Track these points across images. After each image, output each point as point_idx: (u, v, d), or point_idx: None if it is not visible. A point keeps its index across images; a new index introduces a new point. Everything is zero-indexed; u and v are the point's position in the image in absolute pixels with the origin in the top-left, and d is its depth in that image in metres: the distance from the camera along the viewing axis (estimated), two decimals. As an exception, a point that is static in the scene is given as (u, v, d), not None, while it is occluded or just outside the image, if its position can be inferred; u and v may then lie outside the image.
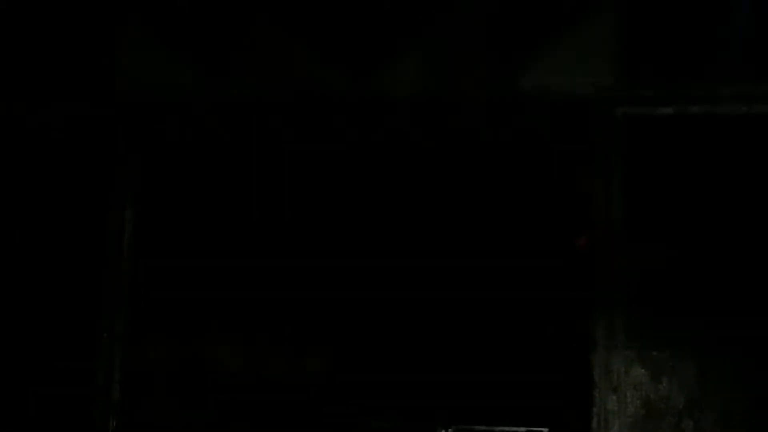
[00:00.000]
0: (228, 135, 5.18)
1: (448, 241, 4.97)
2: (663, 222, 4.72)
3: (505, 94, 4.93)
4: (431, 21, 5.01)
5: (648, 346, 4.65)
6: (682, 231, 4.69)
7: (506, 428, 4.81)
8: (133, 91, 5.18)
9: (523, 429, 4.80)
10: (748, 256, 4.61)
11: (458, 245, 4.96)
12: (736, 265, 4.61)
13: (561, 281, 4.83)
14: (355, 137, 5.07)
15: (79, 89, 5.21)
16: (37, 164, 5.22)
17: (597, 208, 4.79)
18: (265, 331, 5.05)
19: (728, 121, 4.70)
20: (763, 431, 4.53)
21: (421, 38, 5.01)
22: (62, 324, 5.06)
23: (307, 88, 5.05)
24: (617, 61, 4.83)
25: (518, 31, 4.94)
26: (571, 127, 4.87)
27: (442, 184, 5.00)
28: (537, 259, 4.87)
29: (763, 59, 4.74)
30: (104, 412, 5.00)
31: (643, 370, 4.64)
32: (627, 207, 4.75)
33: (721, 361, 4.58)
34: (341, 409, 4.95)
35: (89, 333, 5.04)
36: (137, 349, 5.07)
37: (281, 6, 5.12)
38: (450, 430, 4.86)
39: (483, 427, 4.84)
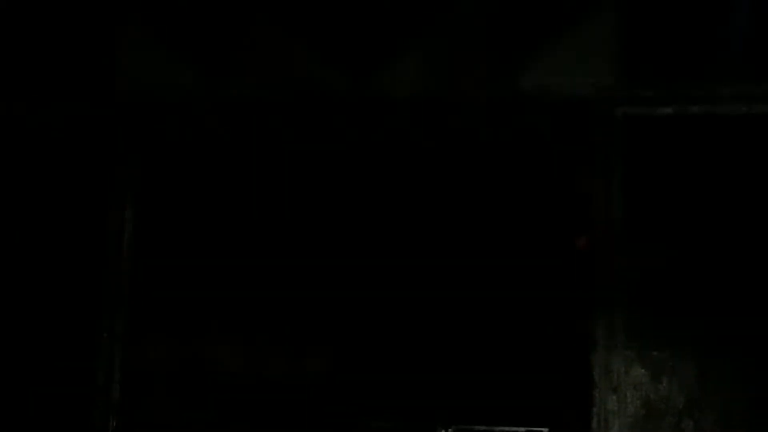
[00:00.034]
0: (228, 135, 5.18)
1: (448, 242, 4.97)
2: (663, 222, 4.72)
3: (505, 94, 4.93)
4: (431, 21, 5.01)
5: (648, 346, 4.65)
6: (682, 231, 4.69)
7: (506, 428, 4.81)
8: (133, 91, 5.18)
9: (523, 429, 4.80)
10: (748, 257, 4.61)
11: (458, 245, 4.96)
12: (735, 265, 4.61)
13: (561, 281, 4.83)
14: (355, 137, 5.07)
15: (79, 89, 5.21)
16: (38, 164, 5.22)
17: (597, 208, 4.79)
18: (265, 331, 5.05)
19: (728, 121, 4.70)
20: (763, 431, 4.53)
21: (421, 38, 5.01)
22: (62, 324, 5.06)
23: (307, 88, 5.05)
24: (617, 61, 4.83)
25: (518, 31, 4.94)
26: (571, 127, 4.87)
27: (442, 184, 5.00)
28: (537, 259, 4.87)
29: (763, 59, 4.74)
30: (104, 412, 5.00)
31: (643, 370, 4.64)
32: (627, 207, 4.75)
33: (721, 361, 4.58)
34: (341, 409, 4.95)
35: (89, 333, 5.04)
36: (137, 349, 5.07)
37: (281, 6, 5.12)
38: (450, 430, 4.86)
39: (483, 427, 4.84)
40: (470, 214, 4.98)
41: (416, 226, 5.00)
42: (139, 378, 5.05)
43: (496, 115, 4.98)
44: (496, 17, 4.96)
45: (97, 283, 5.08)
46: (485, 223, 4.96)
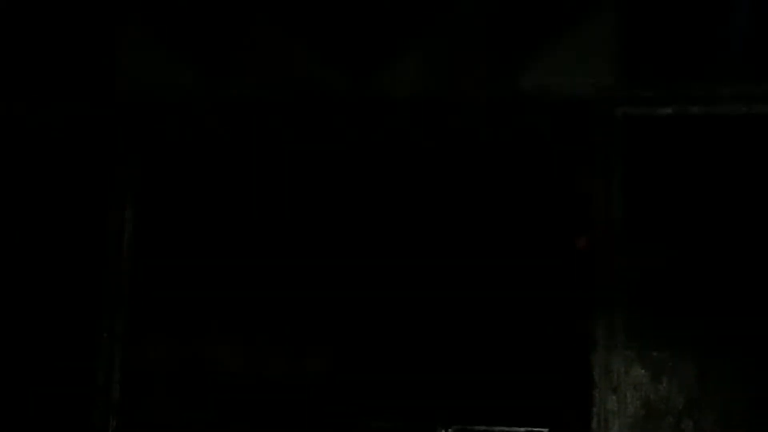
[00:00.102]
0: (228, 135, 5.18)
1: (448, 242, 4.97)
2: (663, 222, 4.72)
3: (505, 94, 4.93)
4: (431, 21, 5.01)
5: (648, 346, 4.65)
6: (682, 231, 4.69)
7: (506, 428, 4.81)
8: (133, 91, 5.18)
9: (523, 429, 4.79)
10: (747, 257, 4.61)
11: (458, 245, 4.95)
12: (735, 265, 4.61)
13: (561, 281, 4.83)
14: (355, 137, 5.07)
15: (79, 89, 5.22)
16: (38, 164, 5.22)
17: (597, 208, 4.79)
18: (265, 331, 5.05)
19: (728, 121, 4.70)
20: (763, 431, 4.53)
21: (421, 38, 5.01)
22: (62, 324, 5.06)
23: (307, 88, 5.06)
24: (617, 61, 4.83)
25: (518, 31, 4.94)
26: (571, 127, 4.87)
27: (442, 184, 5.00)
28: (537, 259, 4.87)
29: (763, 59, 4.74)
30: (104, 412, 5.01)
31: (643, 371, 4.64)
32: (627, 207, 4.75)
33: (721, 361, 4.58)
34: (341, 409, 4.95)
35: (89, 333, 5.04)
36: (137, 349, 5.07)
37: (281, 6, 5.12)
38: (450, 430, 4.86)
39: (483, 427, 4.84)
40: (470, 214, 4.98)
41: (416, 227, 5.00)
42: (139, 378, 5.05)
43: (496, 115, 4.98)
44: (496, 17, 4.96)
45: (97, 283, 5.08)
46: (485, 224, 4.96)
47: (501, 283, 4.87)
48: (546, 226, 4.92)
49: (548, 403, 4.76)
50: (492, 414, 4.83)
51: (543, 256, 4.87)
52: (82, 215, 5.14)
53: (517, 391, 4.77)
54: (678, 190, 4.71)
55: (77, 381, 5.00)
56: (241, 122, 5.16)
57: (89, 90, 5.21)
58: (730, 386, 4.58)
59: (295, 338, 5.03)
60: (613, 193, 4.77)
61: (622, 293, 4.70)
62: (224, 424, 4.98)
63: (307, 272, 5.01)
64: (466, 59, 4.96)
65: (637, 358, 4.65)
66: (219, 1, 5.16)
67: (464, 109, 5.01)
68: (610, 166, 4.78)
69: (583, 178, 4.85)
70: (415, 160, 5.03)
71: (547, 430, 4.78)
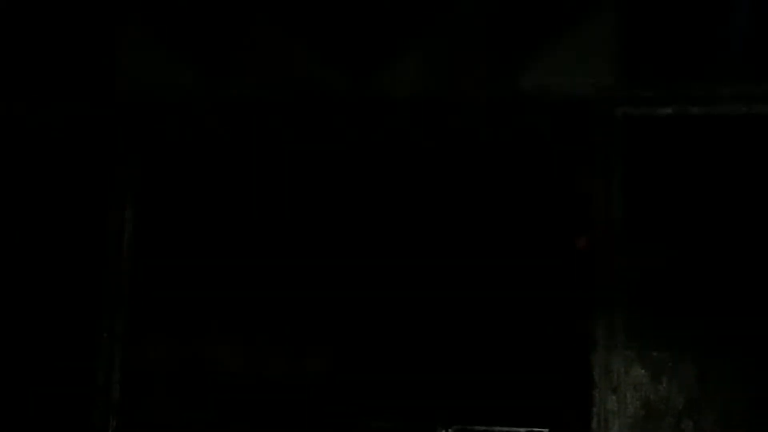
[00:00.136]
0: (228, 135, 5.18)
1: (448, 242, 4.97)
2: (663, 222, 4.72)
3: (505, 94, 4.93)
4: (431, 21, 5.01)
5: (648, 346, 4.65)
6: (682, 231, 4.69)
7: (506, 428, 4.81)
8: (133, 91, 5.18)
9: (523, 429, 4.79)
10: (747, 257, 4.61)
11: (458, 245, 4.95)
12: (735, 265, 4.61)
13: (561, 281, 4.83)
14: (355, 137, 5.07)
15: (79, 89, 5.22)
16: (38, 164, 5.22)
17: (597, 208, 4.79)
18: (265, 331, 5.05)
19: (728, 121, 4.70)
20: (763, 431, 4.53)
21: (421, 38, 5.01)
22: (62, 324, 5.06)
23: (307, 88, 5.05)
24: (617, 61, 4.83)
25: (518, 31, 4.94)
26: (571, 127, 4.87)
27: (442, 184, 5.00)
28: (537, 259, 4.87)
29: (763, 59, 4.74)
30: (104, 412, 5.01)
31: (643, 371, 4.64)
32: (627, 207, 4.75)
33: (721, 361, 4.58)
34: (341, 409, 4.95)
35: (89, 333, 5.05)
36: (137, 349, 5.07)
37: (281, 6, 5.12)
38: (450, 430, 4.86)
39: (483, 427, 4.84)
40: (470, 214, 4.98)
41: (416, 227, 5.00)
42: (139, 378, 5.05)
43: (496, 115, 4.98)
44: (496, 17, 4.96)
45: (97, 283, 5.08)
46: (485, 224, 4.96)
47: (501, 283, 4.87)
48: (546, 226, 4.92)
49: (548, 403, 4.76)
50: (492, 414, 4.83)
51: (543, 256, 4.87)
52: (82, 215, 5.14)
53: (517, 391, 4.77)
54: (678, 191, 4.71)
55: (77, 381, 5.00)
56: (241, 122, 5.16)
57: (89, 90, 5.21)
58: (730, 386, 4.58)
59: (295, 338, 5.03)
60: (613, 193, 4.77)
61: (622, 293, 4.70)
62: (224, 424, 4.98)
63: (307, 272, 5.01)
64: (466, 59, 4.96)
65: (637, 358, 4.65)
66: (219, 1, 5.16)
67: (464, 109, 5.01)
68: (610, 166, 4.78)
69: (583, 178, 4.85)
70: (415, 160, 5.03)
71: (547, 430, 4.78)
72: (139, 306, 5.08)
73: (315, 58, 5.07)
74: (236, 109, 5.15)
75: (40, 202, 5.19)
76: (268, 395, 4.98)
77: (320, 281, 5.00)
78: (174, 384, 5.06)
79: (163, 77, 5.15)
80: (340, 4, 5.06)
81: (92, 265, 5.10)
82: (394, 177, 5.04)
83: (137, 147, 5.19)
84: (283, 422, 4.95)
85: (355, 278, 4.98)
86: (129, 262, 5.10)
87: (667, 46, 4.80)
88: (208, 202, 5.15)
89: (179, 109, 5.20)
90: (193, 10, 5.17)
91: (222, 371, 5.04)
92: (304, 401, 4.97)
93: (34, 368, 5.05)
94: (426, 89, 4.98)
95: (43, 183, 5.20)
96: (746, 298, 4.59)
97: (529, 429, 4.79)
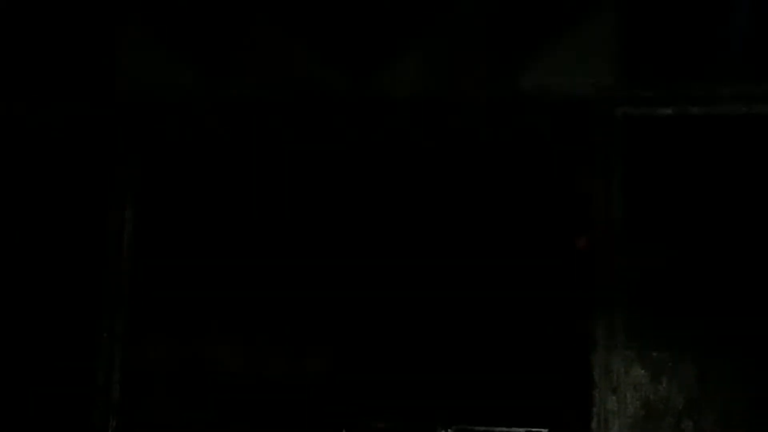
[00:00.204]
0: (228, 135, 5.18)
1: (448, 241, 4.97)
2: (663, 222, 4.72)
3: (505, 94, 4.93)
4: (431, 21, 5.01)
5: (648, 346, 4.65)
6: (682, 231, 4.68)
7: (506, 428, 4.81)
8: (133, 91, 5.18)
9: (523, 429, 4.80)
10: (748, 257, 4.61)
11: (458, 245, 4.96)
12: (735, 265, 4.61)
13: (561, 281, 4.83)
14: (355, 137, 5.07)
15: (79, 89, 5.21)
16: (38, 164, 5.22)
17: (597, 208, 4.79)
18: (265, 331, 5.05)
19: (728, 121, 4.70)
20: (763, 431, 4.53)
21: (421, 38, 5.01)
22: (62, 324, 5.06)
23: (307, 88, 5.05)
24: (617, 61, 4.83)
25: (518, 31, 4.93)
26: (571, 127, 4.87)
27: (442, 184, 5.00)
28: (537, 259, 4.87)
29: (763, 59, 4.74)
30: (104, 412, 5.01)
31: (642, 371, 4.64)
32: (627, 207, 4.75)
33: (721, 361, 4.58)
34: (341, 409, 4.95)
35: (89, 333, 5.04)
36: (137, 349, 5.07)
37: (281, 6, 5.12)
38: (450, 430, 4.86)
39: (483, 428, 4.84)
40: (470, 214, 4.98)
41: (416, 227, 5.00)
42: (139, 378, 5.05)
43: (496, 115, 4.98)
44: (496, 17, 4.96)
45: (97, 283, 5.08)
46: (485, 224, 4.96)
47: (501, 283, 4.87)
48: (546, 226, 4.92)
49: (548, 403, 4.76)
50: (492, 414, 4.83)
51: (543, 256, 4.87)
52: (82, 215, 5.14)
53: (517, 391, 4.77)
54: (678, 191, 4.71)
55: (77, 381, 5.00)
56: (241, 122, 5.16)
57: (89, 90, 5.21)
58: (730, 386, 4.58)
59: (295, 338, 5.03)
60: (613, 193, 4.77)
61: (622, 293, 4.70)
62: (224, 424, 4.98)
63: (307, 272, 5.01)
64: (466, 59, 4.96)
65: (637, 359, 4.65)
66: (219, 1, 5.15)
67: (464, 109, 5.01)
68: (610, 166, 4.78)
69: (583, 178, 4.85)
70: (415, 160, 5.03)
71: (547, 430, 4.79)
72: (139, 306, 5.08)
73: (315, 58, 5.07)
74: (236, 109, 5.15)
75: (40, 202, 5.18)
76: (268, 395, 4.98)
77: (320, 281, 5.00)
78: (174, 384, 5.06)
79: (163, 77, 5.15)
80: (340, 4, 5.06)
81: (92, 265, 5.10)
82: (394, 177, 5.04)
83: (137, 147, 5.19)
84: (283, 422, 4.95)
85: (355, 278, 4.98)
86: (129, 262, 5.10)
87: (667, 46, 4.80)
88: (208, 202, 5.15)
89: (179, 109, 5.20)
90: (193, 10, 5.17)
91: (222, 371, 5.04)
92: (304, 401, 4.97)
93: (34, 368, 5.04)
94: (426, 89, 4.97)
95: (44, 183, 5.20)
96: (746, 298, 4.59)
97: (529, 429, 4.80)
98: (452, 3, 5.00)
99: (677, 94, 4.76)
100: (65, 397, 4.99)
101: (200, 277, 5.06)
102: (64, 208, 5.16)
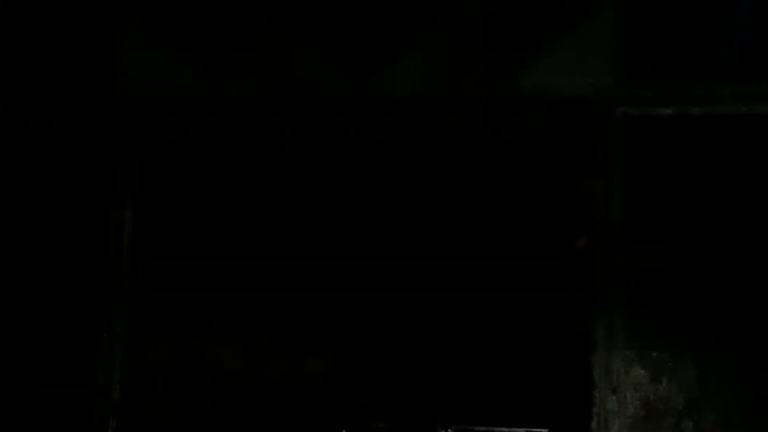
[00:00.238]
0: (228, 135, 5.18)
1: (448, 242, 4.97)
2: (663, 222, 4.72)
3: (505, 94, 4.93)
4: (431, 21, 5.01)
5: (648, 347, 4.65)
6: (682, 231, 4.68)
7: (506, 428, 4.81)
8: (133, 91, 5.18)
9: (522, 429, 4.80)
10: (748, 257, 4.61)
11: (458, 245, 4.96)
12: (735, 265, 4.61)
13: (561, 281, 4.83)
14: (355, 137, 5.07)
15: (79, 89, 5.21)
16: (37, 164, 5.22)
17: (597, 208, 4.79)
18: (265, 331, 5.06)
19: (728, 121, 4.70)
20: (763, 431, 4.53)
21: (421, 38, 5.01)
22: (62, 324, 5.06)
23: (307, 88, 5.05)
24: (617, 61, 4.83)
25: (518, 31, 4.93)
26: (571, 127, 4.87)
27: (442, 184, 5.00)
28: (537, 259, 4.87)
29: (763, 59, 4.74)
30: (104, 412, 5.00)
31: (642, 371, 4.64)
32: (627, 207, 4.75)
33: (721, 361, 4.58)
34: (341, 409, 4.95)
35: (89, 333, 5.04)
36: (137, 349, 5.07)
37: (281, 6, 5.11)
38: (450, 430, 4.86)
39: (483, 428, 4.84)
40: (470, 214, 4.98)
41: (416, 226, 5.00)
42: (139, 378, 5.05)
43: (496, 115, 4.98)
44: (496, 17, 4.96)
45: (97, 283, 5.08)
46: (485, 223, 4.96)
47: (501, 283, 4.87)
48: (546, 226, 4.92)
49: (548, 403, 4.76)
50: (492, 414, 4.83)
51: (543, 256, 4.87)
52: (82, 215, 5.14)
53: (517, 391, 4.77)
54: (678, 191, 4.71)
55: (77, 381, 5.00)
56: (241, 122, 5.16)
57: (89, 90, 5.21)
58: (730, 386, 4.58)
59: (295, 338, 5.03)
60: (613, 193, 4.77)
61: (622, 293, 4.70)
62: (224, 424, 4.98)
63: (307, 272, 5.01)
64: (466, 59, 4.96)
65: (637, 359, 4.65)
66: (219, 1, 5.15)
67: (464, 109, 5.01)
68: (610, 166, 4.78)
69: (583, 178, 4.85)
70: (415, 160, 5.03)
71: (546, 430, 4.79)
72: (139, 306, 5.08)
73: (315, 58, 5.07)
74: (236, 109, 5.15)
75: (40, 202, 5.18)
76: (268, 395, 4.98)
77: (320, 281, 5.00)
78: (174, 384, 5.06)
79: (163, 77, 5.15)
80: (340, 4, 5.06)
81: (92, 265, 5.10)
82: (394, 177, 5.04)
83: (137, 147, 5.19)
84: (283, 422, 4.95)
85: (355, 278, 4.98)
86: (129, 262, 5.10)
87: (667, 46, 4.80)
88: (208, 202, 5.15)
89: (179, 109, 5.20)
90: (193, 10, 5.17)
91: (222, 371, 5.04)
92: (304, 401, 4.97)
93: (34, 368, 5.05)
94: (426, 89, 4.97)
95: (44, 183, 5.20)
96: (746, 298, 4.59)
97: (529, 429, 4.80)
98: (452, 3, 5.00)
99: (677, 94, 4.76)
100: (65, 397, 4.99)
101: (200, 277, 5.06)
102: (64, 208, 5.16)
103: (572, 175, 4.90)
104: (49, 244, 5.14)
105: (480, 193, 4.98)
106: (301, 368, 5.02)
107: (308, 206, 5.08)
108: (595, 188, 4.80)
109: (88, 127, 5.21)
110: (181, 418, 5.02)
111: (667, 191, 4.72)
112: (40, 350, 5.06)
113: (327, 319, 5.00)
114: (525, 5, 4.94)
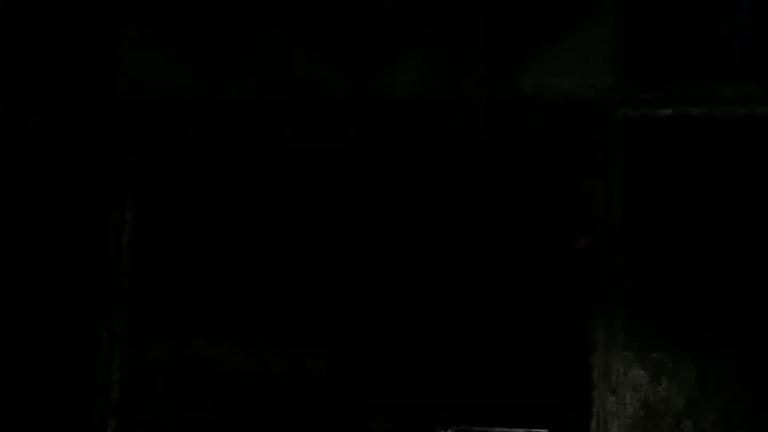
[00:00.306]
0: (228, 135, 5.18)
1: (448, 242, 4.97)
2: (663, 222, 4.72)
3: (505, 94, 4.93)
4: (431, 21, 5.01)
5: (648, 347, 4.65)
6: (682, 231, 4.68)
7: (506, 429, 4.81)
8: (133, 91, 5.18)
9: (522, 429, 4.80)
10: (747, 257, 4.61)
11: (458, 245, 4.96)
12: (735, 265, 4.61)
13: (561, 281, 4.83)
14: (355, 137, 5.07)
15: (79, 89, 5.21)
16: (37, 164, 5.22)
17: (597, 208, 4.79)
18: (265, 331, 5.06)
19: (728, 122, 4.70)
20: (763, 431, 4.53)
21: (421, 38, 5.01)
22: (62, 324, 5.06)
23: (307, 88, 5.05)
24: (617, 61, 4.82)
25: (518, 31, 4.93)
26: (571, 128, 4.87)
27: (442, 184, 5.00)
28: (537, 259, 4.87)
29: (763, 59, 4.73)
30: (104, 412, 5.01)
31: (642, 371, 4.64)
32: (627, 207, 4.75)
33: (721, 361, 4.58)
34: (341, 409, 4.96)
35: (89, 333, 5.05)
36: (137, 349, 5.07)
37: (281, 6, 5.11)
38: (450, 430, 4.86)
39: (482, 428, 4.84)
40: (470, 214, 4.98)
41: (416, 227, 5.00)
42: (139, 378, 5.06)
43: (496, 115, 4.98)
44: (496, 17, 4.96)
45: (97, 283, 5.08)
46: (485, 224, 4.96)
47: (501, 283, 4.87)
48: (546, 226, 4.92)
49: (548, 404, 4.76)
50: (492, 414, 4.83)
51: (543, 256, 4.87)
52: (82, 215, 5.15)
53: (517, 391, 4.78)
54: (678, 191, 4.71)
55: (77, 381, 5.00)
56: (241, 122, 5.16)
57: (89, 90, 5.21)
58: (730, 386, 4.58)
59: (295, 338, 5.04)
60: (613, 193, 4.77)
61: (622, 293, 4.70)
62: (224, 424, 4.99)
63: (307, 272, 5.02)
64: (466, 59, 4.96)
65: (637, 359, 4.65)
66: (219, 1, 5.15)
67: (464, 109, 5.01)
68: (610, 166, 4.78)
69: (583, 179, 4.85)
70: (415, 160, 5.03)
71: (546, 430, 4.79)
72: (139, 306, 5.09)
73: (315, 58, 5.06)
74: (236, 109, 5.15)
75: (40, 202, 5.19)
76: (268, 395, 4.98)
77: (320, 281, 5.00)
78: (174, 384, 5.06)
79: (163, 77, 5.15)
80: (340, 4, 5.06)
81: (92, 265, 5.10)
82: (394, 177, 5.04)
83: (137, 147, 5.19)
84: (283, 422, 4.95)
85: (354, 278, 4.98)
86: (129, 262, 5.10)
87: (667, 46, 4.80)
88: (208, 202, 5.15)
89: (179, 109, 5.19)
90: (193, 10, 5.16)
91: (222, 371, 5.04)
92: (304, 401, 4.97)
93: (34, 368, 5.05)
94: (426, 89, 4.97)
95: (43, 183, 5.20)
96: (746, 298, 4.59)
97: (529, 429, 4.80)
98: (452, 3, 4.99)
99: (677, 94, 4.76)
100: (65, 397, 5.00)
101: (200, 277, 5.06)
102: (64, 208, 5.16)
103: (572, 176, 4.89)
104: (49, 244, 5.15)
105: (480, 193, 4.98)
106: (301, 368, 5.02)
107: (308, 206, 5.08)
108: (595, 188, 4.79)
109: (88, 127, 5.21)
110: (181, 418, 5.02)
111: (667, 192, 4.72)
112: (40, 350, 5.06)
113: (327, 319, 5.00)
114: (525, 5, 4.93)
